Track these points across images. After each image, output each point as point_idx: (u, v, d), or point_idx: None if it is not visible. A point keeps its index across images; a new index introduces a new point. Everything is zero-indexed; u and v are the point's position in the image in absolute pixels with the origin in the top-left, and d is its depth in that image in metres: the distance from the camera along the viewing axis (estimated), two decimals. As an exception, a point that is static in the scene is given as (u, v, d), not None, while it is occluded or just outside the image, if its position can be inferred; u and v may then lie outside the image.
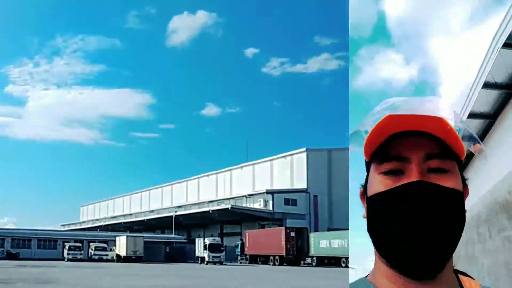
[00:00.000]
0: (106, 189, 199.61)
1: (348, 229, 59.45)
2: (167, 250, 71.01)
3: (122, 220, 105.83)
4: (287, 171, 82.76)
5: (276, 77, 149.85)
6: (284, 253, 57.62)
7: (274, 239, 59.11)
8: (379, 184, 1.29)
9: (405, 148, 1.27)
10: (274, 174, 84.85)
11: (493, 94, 10.32)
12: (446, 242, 1.23)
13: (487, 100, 10.46)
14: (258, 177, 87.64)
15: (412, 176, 1.24)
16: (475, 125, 11.53)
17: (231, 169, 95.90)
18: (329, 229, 68.87)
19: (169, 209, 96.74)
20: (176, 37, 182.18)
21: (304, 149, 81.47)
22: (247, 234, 66.39)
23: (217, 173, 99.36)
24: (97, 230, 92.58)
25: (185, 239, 78.45)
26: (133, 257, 62.21)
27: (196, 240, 66.59)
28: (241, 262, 64.93)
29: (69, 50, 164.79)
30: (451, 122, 1.27)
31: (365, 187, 1.36)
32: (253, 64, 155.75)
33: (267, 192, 76.82)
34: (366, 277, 1.37)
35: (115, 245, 66.56)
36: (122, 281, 23.23)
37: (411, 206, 1.23)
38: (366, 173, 1.37)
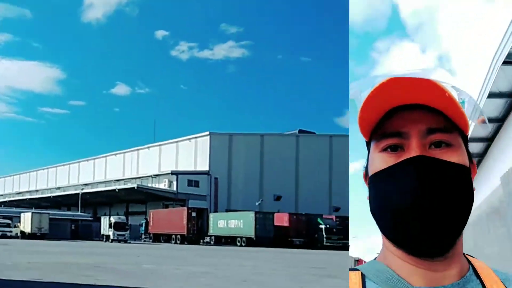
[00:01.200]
0: (11, 164, 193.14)
1: (246, 210, 61.57)
2: (73, 228, 69.97)
3: (28, 196, 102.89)
4: (191, 153, 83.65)
5: (184, 61, 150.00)
6: (185, 232, 58.88)
7: (177, 218, 60.13)
8: (379, 162, 1.24)
9: (405, 123, 1.21)
10: (179, 155, 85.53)
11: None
12: (452, 218, 1.17)
13: (505, 81, 9.74)
14: (164, 158, 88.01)
15: (412, 151, 1.19)
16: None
17: (138, 149, 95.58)
18: (227, 210, 70.76)
19: (75, 186, 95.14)
20: (91, 12, 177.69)
21: (207, 132, 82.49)
22: (151, 213, 66.94)
23: (124, 152, 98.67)
24: (1, 206, 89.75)
25: (91, 217, 77.55)
26: (37, 234, 60.89)
27: (102, 218, 66.19)
28: (144, 241, 65.43)
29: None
30: (454, 94, 1.21)
31: (366, 167, 1.31)
32: (163, 46, 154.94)
33: (172, 173, 77.41)
34: (375, 259, 1.33)
35: (19, 222, 64.58)
36: (25, 258, 23.57)
37: (412, 182, 1.16)
38: (367, 153, 1.32)
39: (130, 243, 56.90)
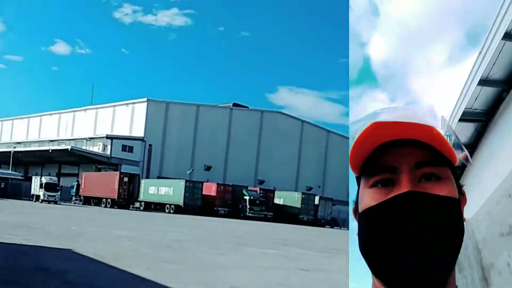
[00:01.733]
0: None
1: (177, 178, 62.31)
2: (2, 186, 68.73)
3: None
4: (127, 118, 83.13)
5: (127, 24, 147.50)
6: (116, 197, 59.10)
7: (108, 182, 60.11)
8: (369, 198, 1.17)
9: (394, 158, 1.16)
10: (116, 120, 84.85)
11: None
12: (445, 255, 1.10)
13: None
14: (99, 121, 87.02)
15: (403, 186, 1.13)
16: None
17: (74, 111, 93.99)
18: (158, 177, 71.27)
19: (7, 144, 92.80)
20: None
21: (145, 99, 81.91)
22: (83, 176, 66.52)
23: (60, 112, 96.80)
24: None
25: (22, 176, 76.07)
26: (-35, 190, 59.75)
27: (33, 178, 65.22)
28: (75, 203, 65.01)
29: None
30: (440, 129, 1.18)
31: (356, 203, 1.24)
32: (106, 7, 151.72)
33: (107, 137, 76.71)
34: None
35: None
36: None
37: (402, 219, 1.10)
38: (357, 188, 1.25)
39: (60, 204, 56.62)
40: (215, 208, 57.84)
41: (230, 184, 63.81)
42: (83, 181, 65.44)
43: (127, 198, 60.19)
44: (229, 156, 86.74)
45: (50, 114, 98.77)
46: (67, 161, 78.97)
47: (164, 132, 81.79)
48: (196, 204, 57.02)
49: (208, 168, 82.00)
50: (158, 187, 59.79)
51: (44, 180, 59.80)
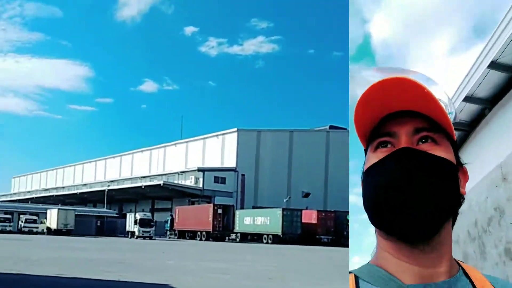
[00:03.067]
0: (39, 161, 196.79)
1: (273, 207, 61.69)
2: (98, 224, 71.08)
3: (54, 193, 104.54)
4: (218, 150, 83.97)
5: (213, 57, 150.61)
6: (210, 229, 59.28)
7: (202, 215, 60.61)
8: (372, 158, 1.34)
9: (395, 125, 1.33)
10: (206, 152, 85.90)
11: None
12: (434, 205, 1.24)
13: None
14: (190, 155, 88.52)
15: (401, 145, 1.30)
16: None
17: (165, 146, 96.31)
18: (253, 207, 70.91)
19: (102, 183, 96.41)
20: (125, 11, 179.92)
21: (235, 129, 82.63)
22: (177, 210, 67.66)
23: (151, 149, 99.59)
24: (28, 202, 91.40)
25: (116, 214, 78.56)
26: (63, 230, 61.98)
27: (127, 214, 67.20)
28: (169, 237, 66.15)
29: (6, 15, 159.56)
30: (443, 105, 1.33)
31: (363, 173, 1.40)
32: (192, 43, 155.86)
33: (198, 169, 77.76)
34: (368, 263, 1.40)
35: (46, 218, 65.86)
36: (50, 254, 24.09)
37: (397, 171, 1.26)
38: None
39: (155, 239, 57.55)
40: (317, 237, 56.41)
41: (332, 210, 62.23)
42: (176, 215, 66.38)
43: (222, 230, 60.32)
44: (328, 180, 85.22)
45: (141, 151, 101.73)
46: (160, 196, 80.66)
47: (256, 161, 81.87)
48: (295, 232, 55.93)
49: (306, 195, 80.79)
50: (254, 217, 59.29)
51: (138, 216, 61.40)
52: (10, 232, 61.05)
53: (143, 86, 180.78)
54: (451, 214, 1.30)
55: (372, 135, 1.37)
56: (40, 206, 78.31)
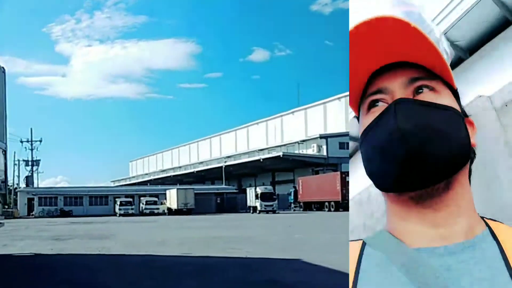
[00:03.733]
0: (154, 143, 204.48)
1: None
2: (218, 201, 72.39)
3: (172, 173, 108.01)
4: (341, 113, 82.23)
5: (327, 15, 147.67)
6: (340, 199, 58.05)
7: (329, 184, 59.52)
8: (367, 119, 1.31)
9: (386, 79, 1.28)
10: (328, 117, 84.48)
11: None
12: (443, 154, 1.20)
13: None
14: (310, 122, 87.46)
15: (395, 98, 1.27)
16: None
17: (281, 115, 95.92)
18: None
19: (218, 159, 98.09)
20: None
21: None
22: (300, 181, 67.16)
23: (266, 120, 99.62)
24: (147, 185, 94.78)
25: (236, 189, 79.76)
26: (184, 209, 63.90)
27: (247, 189, 68.03)
28: (294, 210, 65.94)
29: (110, 2, 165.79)
30: (441, 50, 1.28)
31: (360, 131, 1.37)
32: (301, 2, 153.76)
33: (321, 136, 76.84)
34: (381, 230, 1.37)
35: (165, 199, 68.54)
36: (174, 234, 24.27)
37: (394, 125, 1.22)
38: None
39: (279, 213, 57.48)
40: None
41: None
42: (300, 187, 65.94)
43: (351, 199, 58.95)
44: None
45: (257, 123, 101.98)
46: (280, 168, 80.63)
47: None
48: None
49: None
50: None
51: (259, 190, 61.75)
52: (132, 214, 63.60)
53: (252, 56, 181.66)
54: (461, 164, 1.24)
55: (363, 97, 1.34)
56: (159, 187, 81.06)
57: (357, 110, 1.37)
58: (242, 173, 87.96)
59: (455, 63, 10.90)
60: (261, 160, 77.38)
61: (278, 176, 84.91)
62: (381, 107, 1.27)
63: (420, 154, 1.17)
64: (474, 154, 1.28)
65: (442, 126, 1.20)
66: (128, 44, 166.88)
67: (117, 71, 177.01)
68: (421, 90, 1.24)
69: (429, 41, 1.21)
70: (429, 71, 1.24)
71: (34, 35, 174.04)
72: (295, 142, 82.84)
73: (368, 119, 1.28)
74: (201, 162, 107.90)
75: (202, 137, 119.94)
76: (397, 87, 1.25)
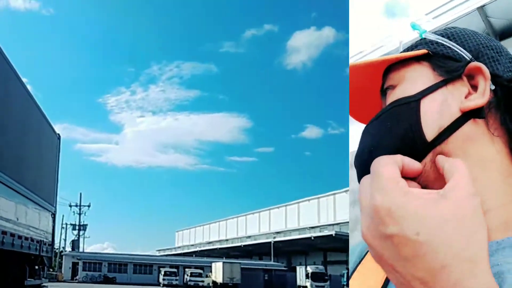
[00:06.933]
0: (202, 214, 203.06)
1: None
2: (266, 278, 69.96)
3: (218, 245, 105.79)
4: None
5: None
6: (396, 285, 54.76)
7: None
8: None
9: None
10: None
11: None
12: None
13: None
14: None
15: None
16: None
17: (334, 193, 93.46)
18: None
19: (267, 234, 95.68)
20: (294, 57, 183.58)
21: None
22: (353, 262, 63.95)
23: (318, 197, 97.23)
24: (192, 256, 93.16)
25: (285, 267, 77.21)
26: (229, 284, 61.55)
27: (297, 268, 65.58)
28: (347, 293, 62.48)
29: (165, 77, 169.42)
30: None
31: None
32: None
33: (374, 217, 73.86)
34: None
35: (211, 271, 66.28)
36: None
37: (371, 128, 1.22)
38: None
39: (330, 295, 54.58)
40: None
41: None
42: (354, 269, 62.62)
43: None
44: None
45: (308, 200, 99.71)
46: (332, 247, 77.61)
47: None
48: None
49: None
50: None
51: (310, 269, 60.08)
52: (176, 286, 62.16)
53: (305, 132, 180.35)
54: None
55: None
56: (205, 259, 79.33)
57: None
58: (292, 250, 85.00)
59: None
60: (312, 238, 74.64)
61: (330, 256, 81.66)
62: None
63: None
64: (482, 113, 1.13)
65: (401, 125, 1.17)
66: (180, 116, 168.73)
67: (167, 141, 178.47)
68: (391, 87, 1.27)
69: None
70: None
71: (91, 105, 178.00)
72: (347, 222, 79.89)
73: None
74: (249, 237, 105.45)
75: (250, 211, 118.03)
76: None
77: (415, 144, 1.15)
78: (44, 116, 18.00)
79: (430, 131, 1.15)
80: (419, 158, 1.14)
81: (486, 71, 1.14)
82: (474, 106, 1.14)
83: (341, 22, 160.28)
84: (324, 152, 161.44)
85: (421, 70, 1.22)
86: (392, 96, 1.22)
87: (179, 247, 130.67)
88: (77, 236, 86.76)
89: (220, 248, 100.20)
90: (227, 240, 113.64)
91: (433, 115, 1.16)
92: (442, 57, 1.21)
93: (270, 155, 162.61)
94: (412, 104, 1.18)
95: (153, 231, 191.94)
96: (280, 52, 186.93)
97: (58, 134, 17.64)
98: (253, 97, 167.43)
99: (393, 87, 1.25)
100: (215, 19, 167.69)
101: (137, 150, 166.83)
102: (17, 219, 14.08)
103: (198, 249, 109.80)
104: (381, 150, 1.15)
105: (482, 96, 1.14)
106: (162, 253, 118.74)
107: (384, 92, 1.28)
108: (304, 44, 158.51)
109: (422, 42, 1.26)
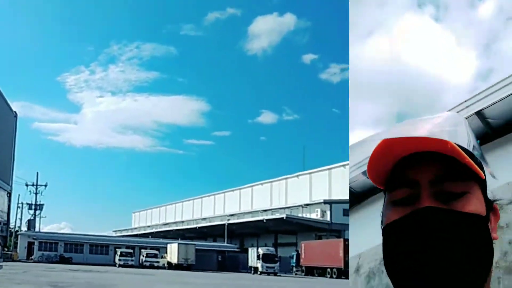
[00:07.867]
0: (158, 196, 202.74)
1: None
2: (219, 259, 71.37)
3: (174, 227, 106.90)
4: (346, 180, 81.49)
5: (336, 84, 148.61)
6: (342, 266, 56.76)
7: (332, 251, 58.28)
8: (392, 213, 1.25)
9: (414, 172, 1.23)
10: (332, 183, 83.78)
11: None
12: (462, 267, 1.13)
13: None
14: (315, 187, 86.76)
15: (422, 201, 1.19)
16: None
17: (286, 178, 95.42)
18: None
19: (221, 217, 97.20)
20: (254, 43, 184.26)
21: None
22: (303, 245, 65.93)
23: (271, 181, 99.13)
24: (148, 237, 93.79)
25: (237, 248, 78.73)
26: (184, 264, 62.80)
27: (249, 249, 67.03)
28: (296, 274, 64.61)
29: (124, 57, 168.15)
30: (459, 140, 1.22)
31: (382, 216, 1.32)
32: (312, 71, 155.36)
33: (325, 202, 75.98)
34: None
35: (166, 252, 67.47)
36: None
37: (421, 233, 1.16)
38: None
39: (280, 275, 56.23)
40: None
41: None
42: (303, 251, 64.72)
43: (355, 267, 57.66)
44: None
45: (261, 184, 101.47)
46: (283, 230, 79.65)
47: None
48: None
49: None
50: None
51: (261, 251, 60.95)
52: (132, 266, 62.59)
53: (261, 118, 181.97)
54: (486, 270, 1.19)
55: (389, 181, 1.30)
56: (161, 240, 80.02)
57: (382, 186, 1.32)
58: (244, 232, 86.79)
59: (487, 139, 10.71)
60: (264, 221, 76.49)
61: (281, 238, 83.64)
62: (408, 207, 1.22)
63: (439, 267, 1.13)
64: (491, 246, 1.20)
65: (466, 236, 1.15)
66: (139, 98, 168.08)
67: (126, 123, 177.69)
68: (448, 194, 1.20)
69: (455, 148, 1.18)
70: (456, 165, 1.20)
71: (49, 83, 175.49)
72: (299, 206, 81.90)
73: (394, 213, 1.25)
74: (204, 219, 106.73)
75: (206, 193, 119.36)
76: (424, 184, 1.21)
77: (487, 262, 1.21)
78: (0, 93, 17.30)
79: None
80: None
81: None
82: (495, 238, 1.25)
83: (302, 8, 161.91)
84: (279, 137, 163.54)
85: None
86: (461, 205, 1.22)
87: (135, 228, 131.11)
88: (33, 215, 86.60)
89: (175, 230, 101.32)
90: (182, 221, 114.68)
91: None
92: None
93: (226, 139, 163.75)
94: (484, 222, 1.24)
95: (110, 212, 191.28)
96: (241, 36, 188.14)
97: (15, 112, 17.17)
98: (212, 81, 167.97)
99: (459, 194, 1.23)
100: (178, 0, 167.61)
101: (95, 130, 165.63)
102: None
103: (154, 230, 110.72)
104: None
105: None
106: (118, 234, 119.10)
107: (438, 180, 1.24)
108: (266, 30, 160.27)
109: None
